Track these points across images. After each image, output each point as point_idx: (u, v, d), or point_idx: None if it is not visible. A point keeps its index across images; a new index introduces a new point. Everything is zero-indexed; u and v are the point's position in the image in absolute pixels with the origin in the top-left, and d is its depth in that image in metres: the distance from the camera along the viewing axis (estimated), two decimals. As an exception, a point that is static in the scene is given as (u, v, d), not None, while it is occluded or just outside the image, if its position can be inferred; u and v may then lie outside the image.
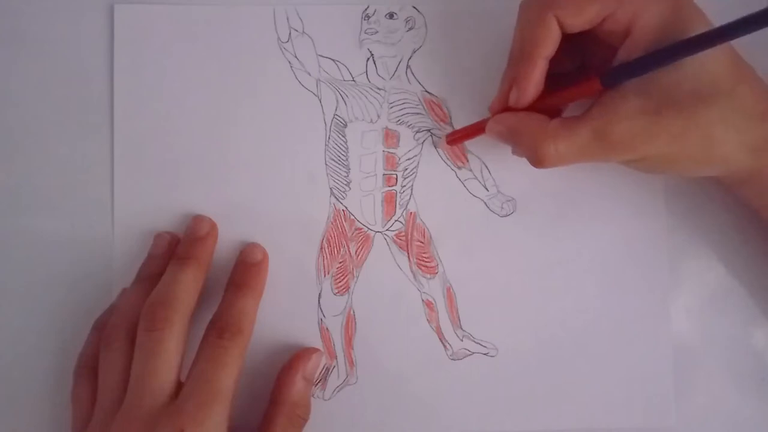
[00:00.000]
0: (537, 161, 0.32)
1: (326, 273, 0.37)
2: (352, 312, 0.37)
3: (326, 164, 0.37)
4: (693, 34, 0.28)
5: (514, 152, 0.34)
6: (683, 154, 0.30)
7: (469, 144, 0.37)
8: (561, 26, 0.31)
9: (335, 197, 0.37)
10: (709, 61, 0.29)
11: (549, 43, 0.31)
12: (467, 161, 0.37)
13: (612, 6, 0.30)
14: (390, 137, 0.37)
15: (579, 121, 0.31)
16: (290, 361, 0.35)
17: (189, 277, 0.34)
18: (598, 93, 0.31)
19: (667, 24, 0.29)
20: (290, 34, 0.37)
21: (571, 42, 0.32)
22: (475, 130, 0.35)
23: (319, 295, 0.37)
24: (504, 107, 0.33)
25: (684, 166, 0.32)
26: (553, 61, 0.32)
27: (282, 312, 0.37)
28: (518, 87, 0.32)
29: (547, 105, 0.33)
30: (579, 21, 0.31)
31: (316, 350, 0.36)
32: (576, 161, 0.31)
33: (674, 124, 0.29)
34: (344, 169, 0.37)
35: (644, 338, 0.37)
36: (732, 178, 0.33)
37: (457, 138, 0.36)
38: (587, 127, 0.30)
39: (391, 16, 0.37)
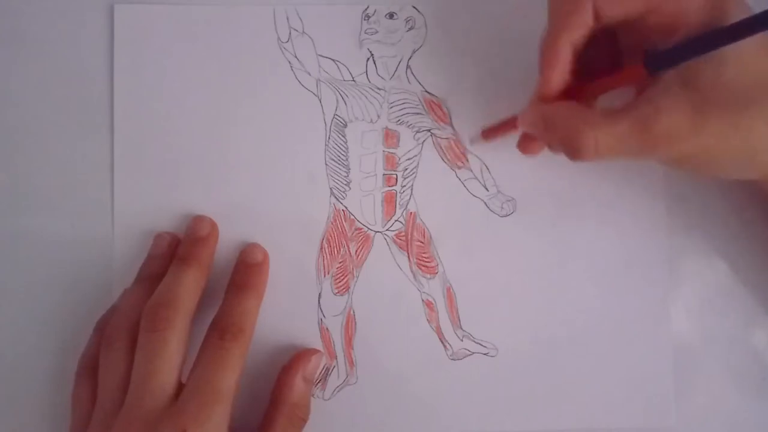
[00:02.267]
0: (575, 152, 0.30)
1: (326, 273, 0.37)
2: (352, 312, 0.37)
3: (326, 164, 0.37)
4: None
5: (550, 147, 0.32)
6: (724, 155, 0.29)
7: (469, 144, 0.37)
8: (597, 16, 0.29)
9: (335, 197, 0.37)
10: (753, 62, 0.28)
11: (577, 30, 0.30)
12: (467, 161, 0.37)
13: None
14: (390, 137, 0.37)
15: (621, 111, 0.29)
16: (290, 361, 0.35)
17: (190, 278, 0.34)
18: (640, 81, 0.29)
19: (713, 18, 0.28)
20: (290, 34, 0.37)
21: (606, 36, 0.30)
22: (511, 123, 0.34)
23: (319, 295, 0.37)
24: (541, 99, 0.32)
25: (723, 168, 0.31)
26: (586, 57, 0.31)
27: (282, 312, 0.37)
28: (541, 74, 0.31)
29: (583, 95, 0.31)
30: (619, 11, 0.29)
31: (316, 351, 0.36)
32: (616, 155, 0.30)
33: (717, 123, 0.28)
34: (344, 169, 0.37)
35: (644, 338, 0.37)
36: None
37: (491, 133, 0.35)
38: (630, 117, 0.29)
39: (391, 16, 0.37)
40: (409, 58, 0.38)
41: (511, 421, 0.37)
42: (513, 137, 0.35)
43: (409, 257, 0.37)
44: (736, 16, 0.28)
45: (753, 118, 0.28)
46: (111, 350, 0.33)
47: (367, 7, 0.37)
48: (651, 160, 0.31)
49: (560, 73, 0.30)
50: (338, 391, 0.37)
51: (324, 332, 0.37)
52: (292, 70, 0.37)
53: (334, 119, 0.37)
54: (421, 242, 0.37)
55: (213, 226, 0.36)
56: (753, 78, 0.28)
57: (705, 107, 0.28)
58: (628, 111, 0.29)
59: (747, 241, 0.37)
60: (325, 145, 0.37)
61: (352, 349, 0.37)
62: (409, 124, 0.37)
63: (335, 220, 0.37)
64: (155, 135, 0.37)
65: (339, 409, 0.36)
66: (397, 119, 0.37)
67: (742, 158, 0.29)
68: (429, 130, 0.37)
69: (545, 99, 0.31)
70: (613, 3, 0.29)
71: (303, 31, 0.37)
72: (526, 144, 0.35)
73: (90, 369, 0.34)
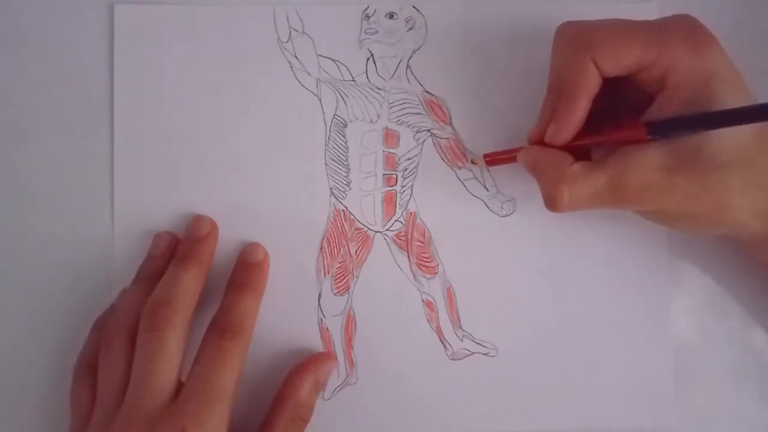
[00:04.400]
0: (550, 204, 0.32)
1: (326, 273, 0.37)
2: (352, 312, 0.37)
3: (326, 164, 0.37)
4: (728, 92, 0.29)
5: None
6: (695, 215, 0.31)
7: (469, 144, 0.37)
8: (598, 69, 0.31)
9: (335, 197, 0.37)
10: (736, 133, 0.29)
11: (590, 85, 0.31)
12: (467, 161, 0.37)
13: (650, 58, 0.30)
14: (390, 137, 0.37)
15: (596, 169, 0.31)
16: (304, 363, 0.35)
17: (190, 277, 0.34)
18: (638, 141, 0.30)
19: (701, 81, 0.29)
20: (290, 34, 0.37)
21: (606, 82, 0.32)
22: (511, 156, 0.35)
23: (319, 295, 0.37)
24: (541, 139, 0.33)
25: (695, 225, 0.32)
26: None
27: (282, 312, 0.37)
28: (557, 125, 0.32)
29: (584, 145, 0.32)
30: (615, 67, 0.31)
31: (331, 357, 0.36)
32: (589, 208, 0.32)
33: (689, 185, 0.30)
34: (344, 169, 0.37)
35: (644, 338, 0.37)
36: (745, 241, 0.34)
37: (495, 160, 0.36)
38: (603, 175, 0.31)
39: (391, 16, 0.37)
40: (409, 58, 0.38)
41: (511, 421, 0.37)
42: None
43: (409, 257, 0.37)
44: (721, 76, 0.29)
45: (727, 185, 0.30)
46: (110, 350, 0.33)
47: (367, 7, 0.37)
48: (626, 211, 0.33)
49: (575, 126, 0.32)
50: (338, 391, 0.37)
51: (324, 332, 0.37)
52: (292, 70, 0.37)
53: (334, 119, 0.37)
54: (421, 242, 0.37)
55: (213, 225, 0.36)
56: (732, 147, 0.29)
57: (678, 170, 0.30)
58: (603, 168, 0.31)
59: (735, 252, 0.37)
60: (325, 145, 0.37)
61: (352, 349, 0.37)
62: (409, 124, 0.37)
63: (335, 220, 0.37)
64: (155, 135, 0.37)
65: (339, 409, 0.36)
66: (397, 119, 0.37)
67: (710, 218, 0.31)
68: (429, 130, 0.37)
69: (552, 144, 0.33)
70: (611, 59, 0.31)
71: (303, 31, 0.37)
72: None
73: (88, 368, 0.34)
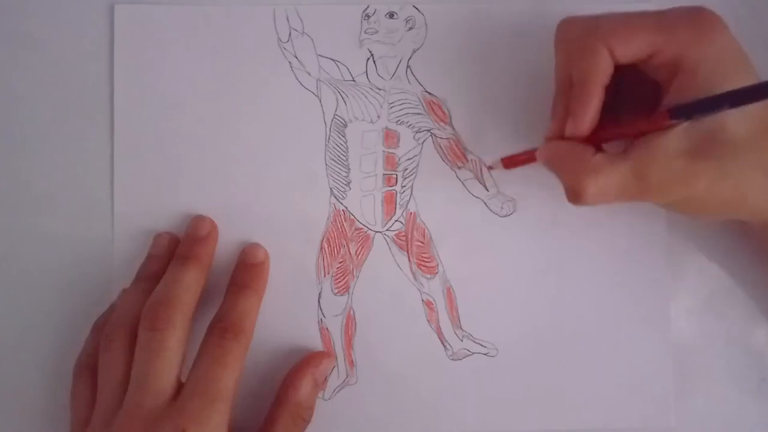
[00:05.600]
0: (575, 197, 0.31)
1: (326, 273, 0.37)
2: (352, 312, 0.37)
3: (326, 164, 0.37)
4: (737, 74, 0.29)
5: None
6: (716, 200, 0.30)
7: (469, 144, 0.37)
8: (612, 56, 0.30)
9: (335, 197, 0.37)
10: (750, 116, 0.29)
11: (604, 73, 0.31)
12: (467, 161, 0.37)
13: (661, 40, 0.30)
14: (390, 137, 0.37)
15: (620, 159, 0.30)
16: (301, 362, 0.36)
17: (190, 277, 0.34)
18: (659, 129, 0.30)
19: (711, 65, 0.29)
20: (290, 34, 0.37)
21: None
22: (530, 156, 0.35)
23: (319, 295, 0.37)
24: (559, 136, 0.33)
25: (716, 211, 0.32)
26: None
27: (282, 312, 0.37)
28: (576, 118, 0.31)
29: (605, 137, 0.32)
30: (628, 52, 0.30)
31: (327, 355, 0.36)
32: (615, 200, 0.31)
33: (709, 170, 0.29)
34: (344, 169, 0.37)
35: (644, 338, 0.37)
36: (758, 227, 0.34)
37: (513, 161, 0.36)
38: (628, 165, 0.30)
39: (391, 15, 0.37)
40: (409, 58, 0.38)
41: (511, 421, 0.37)
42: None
43: (409, 257, 0.37)
44: (729, 59, 0.29)
45: (742, 168, 0.29)
46: (110, 349, 0.33)
47: (367, 6, 0.37)
48: (646, 202, 0.32)
49: (594, 117, 0.31)
50: (338, 391, 0.37)
51: (324, 332, 0.37)
52: (292, 70, 0.37)
53: (334, 119, 0.37)
54: (421, 242, 0.37)
55: (213, 225, 0.36)
56: (746, 129, 0.29)
57: (699, 156, 0.29)
58: (627, 158, 0.30)
59: (746, 241, 0.37)
60: (325, 145, 0.37)
61: (352, 349, 0.37)
62: (409, 124, 0.37)
63: (335, 220, 0.37)
64: (155, 135, 0.37)
65: (339, 409, 0.36)
66: (397, 119, 0.37)
67: (731, 203, 0.31)
68: (429, 131, 0.37)
69: (572, 139, 0.32)
70: (623, 44, 0.30)
71: (303, 31, 0.37)
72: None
73: (88, 368, 0.34)
